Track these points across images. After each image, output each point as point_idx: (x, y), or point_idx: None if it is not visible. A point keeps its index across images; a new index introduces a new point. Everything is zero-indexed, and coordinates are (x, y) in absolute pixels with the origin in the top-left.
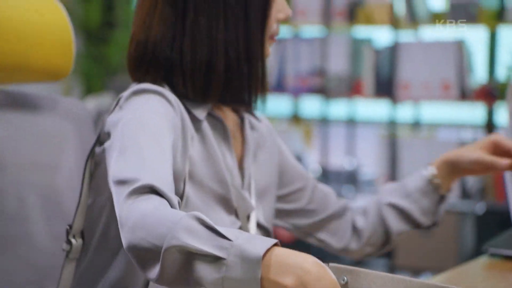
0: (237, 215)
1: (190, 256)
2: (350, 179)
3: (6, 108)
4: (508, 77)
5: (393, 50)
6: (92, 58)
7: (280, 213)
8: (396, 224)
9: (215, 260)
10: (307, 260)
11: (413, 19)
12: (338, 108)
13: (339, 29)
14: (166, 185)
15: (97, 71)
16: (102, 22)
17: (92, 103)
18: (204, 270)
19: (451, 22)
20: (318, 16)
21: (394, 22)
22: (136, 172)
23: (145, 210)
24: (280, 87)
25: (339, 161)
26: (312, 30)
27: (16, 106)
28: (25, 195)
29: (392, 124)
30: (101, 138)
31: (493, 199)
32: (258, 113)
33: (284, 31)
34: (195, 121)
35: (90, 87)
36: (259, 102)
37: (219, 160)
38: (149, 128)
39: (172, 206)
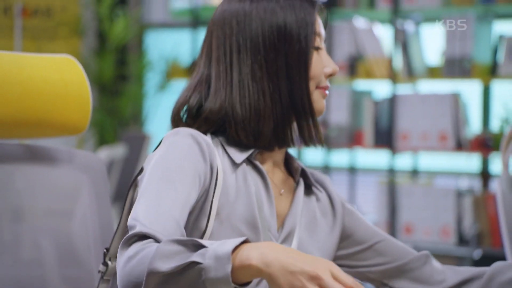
0: None
1: (172, 277)
2: None
3: (25, 161)
4: (502, 128)
5: (392, 102)
6: (105, 110)
7: (350, 268)
8: None
9: (194, 267)
10: (269, 243)
11: (411, 73)
12: (340, 157)
13: (340, 82)
14: (167, 230)
15: (110, 123)
16: (115, 75)
17: (105, 153)
18: (188, 279)
19: (446, 76)
20: None
21: (393, 76)
22: (141, 218)
23: (129, 256)
24: None
25: None
26: None
27: (35, 159)
28: (40, 241)
29: (391, 172)
30: (142, 171)
31: (489, 245)
32: (322, 180)
33: None
34: (233, 164)
35: (103, 138)
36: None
37: (254, 206)
38: (171, 173)
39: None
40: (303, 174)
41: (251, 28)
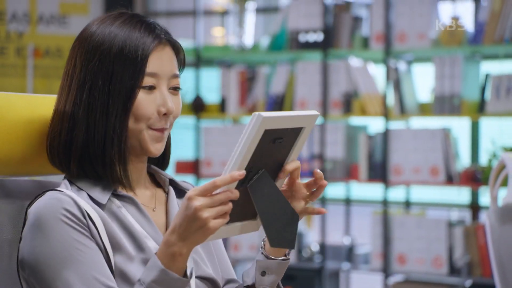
0: None
1: None
2: (347, 256)
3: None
4: (490, 162)
5: (386, 137)
6: None
7: None
8: None
9: None
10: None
11: (403, 110)
12: (336, 189)
13: (336, 118)
14: None
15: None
16: None
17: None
18: None
19: (437, 113)
20: (317, 107)
21: (386, 112)
22: None
23: None
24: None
25: (336, 238)
26: None
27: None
28: None
29: (385, 204)
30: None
31: (480, 275)
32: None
33: None
34: (101, 205)
35: None
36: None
37: (137, 231)
38: (67, 258)
39: None
40: (172, 183)
41: (85, 50)
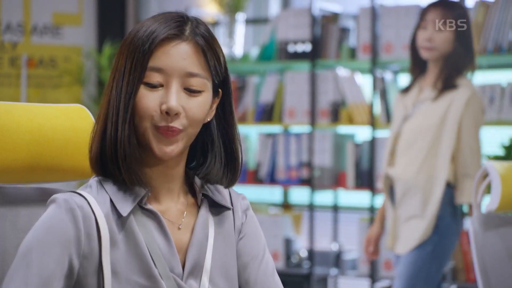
0: None
1: None
2: (335, 261)
3: (41, 203)
4: None
5: (372, 145)
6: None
7: None
8: None
9: None
10: None
11: (389, 118)
12: (324, 197)
13: (324, 126)
14: None
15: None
16: None
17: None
18: None
19: None
20: (305, 115)
21: (373, 121)
22: None
23: None
24: (272, 178)
25: (325, 244)
26: (300, 128)
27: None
28: None
29: (372, 210)
30: None
31: (464, 280)
32: (234, 198)
33: (276, 128)
34: (121, 219)
35: None
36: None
37: (146, 255)
38: (30, 252)
39: None
40: (207, 196)
41: (119, 48)
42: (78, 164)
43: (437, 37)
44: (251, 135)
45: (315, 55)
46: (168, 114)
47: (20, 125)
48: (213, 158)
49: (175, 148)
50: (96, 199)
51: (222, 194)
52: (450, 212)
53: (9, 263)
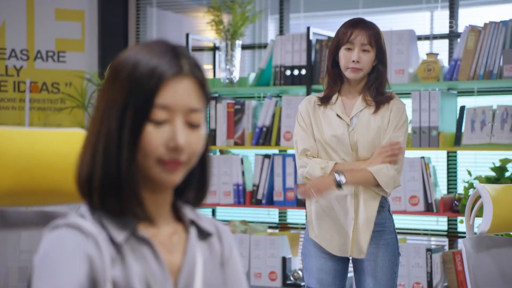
0: None
1: None
2: None
3: (41, 226)
4: (466, 191)
5: None
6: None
7: None
8: None
9: None
10: None
11: None
12: None
13: None
14: None
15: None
16: None
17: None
18: None
19: (415, 146)
20: None
21: None
22: None
23: None
24: (269, 200)
25: None
26: None
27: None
28: None
29: None
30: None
31: None
32: (213, 227)
33: (274, 152)
34: (115, 245)
35: None
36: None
37: (141, 281)
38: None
39: None
40: (194, 222)
41: (109, 78)
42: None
43: (363, 58)
44: (248, 157)
45: (311, 80)
46: (176, 150)
47: (22, 150)
48: (193, 179)
49: (178, 177)
50: (92, 228)
51: (204, 218)
52: None
53: (10, 284)
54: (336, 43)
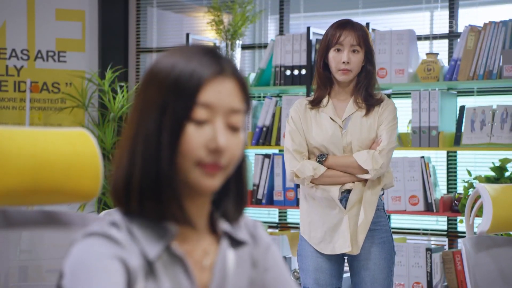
0: None
1: None
2: None
3: (43, 226)
4: (466, 191)
5: None
6: (106, 176)
7: None
8: None
9: None
10: None
11: None
12: None
13: None
14: None
15: (110, 188)
16: (115, 142)
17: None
18: None
19: (414, 146)
20: None
21: None
22: None
23: None
24: (269, 199)
25: None
26: None
27: (52, 224)
28: None
29: None
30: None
31: None
32: (246, 234)
33: (274, 151)
34: (148, 258)
35: (105, 202)
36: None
37: None
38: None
39: None
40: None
41: (146, 81)
42: (79, 187)
43: (353, 59)
44: (248, 157)
45: (311, 80)
46: (217, 152)
47: (24, 150)
48: (229, 189)
49: (217, 182)
50: (125, 240)
51: (240, 226)
52: None
53: (12, 283)
54: (325, 45)
